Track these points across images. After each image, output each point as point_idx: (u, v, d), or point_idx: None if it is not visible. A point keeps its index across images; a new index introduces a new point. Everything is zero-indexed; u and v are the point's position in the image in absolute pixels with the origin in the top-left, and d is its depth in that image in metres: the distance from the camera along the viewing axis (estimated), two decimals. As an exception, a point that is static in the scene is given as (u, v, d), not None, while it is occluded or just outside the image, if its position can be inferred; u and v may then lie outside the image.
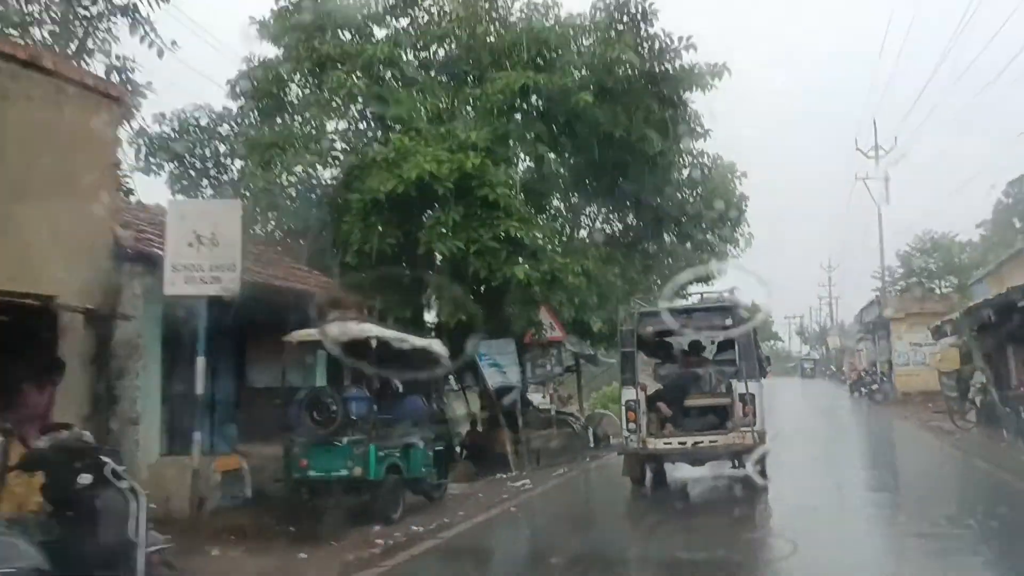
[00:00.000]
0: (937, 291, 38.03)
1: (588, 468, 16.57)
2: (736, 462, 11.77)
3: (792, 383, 51.53)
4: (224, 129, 17.21)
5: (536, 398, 21.34)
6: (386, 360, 10.25)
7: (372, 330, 8.96)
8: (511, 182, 13.58)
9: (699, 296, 14.63)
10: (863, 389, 34.56)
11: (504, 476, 15.28)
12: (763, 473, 11.14)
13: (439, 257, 13.52)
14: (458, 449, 18.15)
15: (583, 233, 20.12)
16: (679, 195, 19.96)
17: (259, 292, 8.96)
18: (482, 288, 14.84)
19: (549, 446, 17.56)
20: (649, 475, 12.13)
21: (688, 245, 20.74)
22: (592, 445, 19.99)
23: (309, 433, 8.87)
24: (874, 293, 41.08)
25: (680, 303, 13.64)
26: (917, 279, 40.52)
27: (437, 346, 10.25)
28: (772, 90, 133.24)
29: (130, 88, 12.67)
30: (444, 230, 13.00)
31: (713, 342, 13.20)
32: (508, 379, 16.59)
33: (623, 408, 11.82)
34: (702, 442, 11.28)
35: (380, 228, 13.49)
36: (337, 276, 13.97)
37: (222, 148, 17.08)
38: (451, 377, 11.46)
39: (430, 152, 13.30)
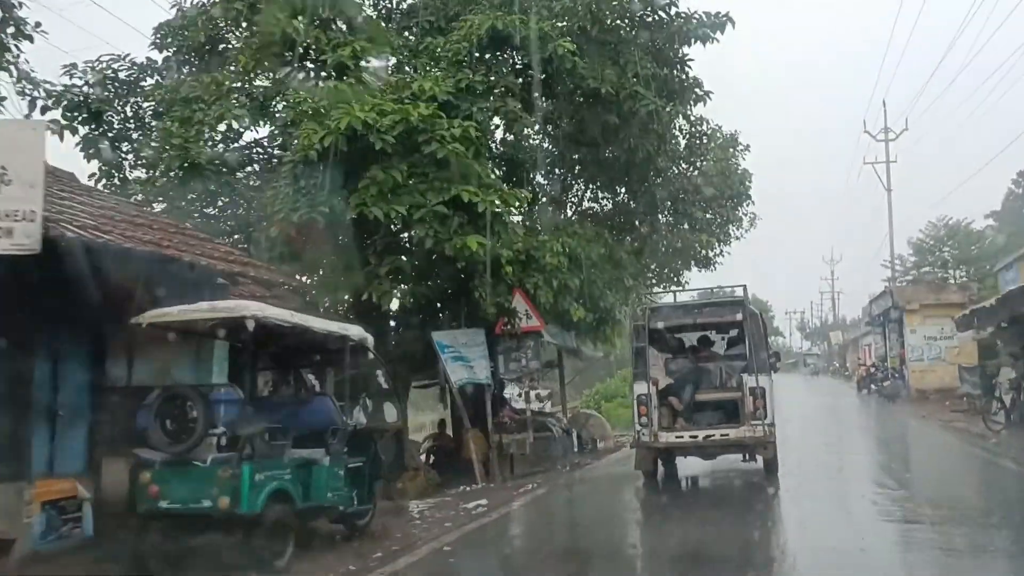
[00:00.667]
0: (952, 281, 35.56)
1: (568, 480, 14.21)
2: (747, 455, 11.87)
3: (795, 380, 48.61)
4: (149, 84, 14.88)
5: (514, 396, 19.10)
6: (294, 351, 7.93)
7: (250, 308, 6.55)
8: (469, 138, 11.18)
9: (708, 290, 15.55)
10: (873, 386, 32.10)
11: (468, 489, 13.05)
12: (775, 470, 11.42)
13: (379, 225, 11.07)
14: (424, 456, 16.04)
15: (567, 209, 17.77)
16: (675, 167, 17.62)
17: (111, 257, 6.60)
18: (437, 267, 12.55)
19: (524, 453, 15.23)
20: (661, 469, 12.14)
21: (685, 225, 18.40)
22: (576, 450, 17.67)
23: (162, 448, 6.52)
24: (883, 283, 38.76)
25: (686, 297, 13.89)
26: (931, 268, 38.10)
27: (355, 331, 7.86)
28: (776, 63, 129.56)
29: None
30: (383, 191, 10.62)
31: (723, 337, 13.30)
32: (475, 374, 14.25)
33: (634, 402, 11.78)
34: (713, 435, 11.29)
35: (311, 192, 11.12)
36: (266, 251, 11.68)
37: (147, 106, 14.73)
38: (382, 373, 8.99)
39: (370, 101, 10.95)
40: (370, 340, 8.08)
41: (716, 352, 13.13)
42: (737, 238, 19.45)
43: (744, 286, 12.89)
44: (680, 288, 20.25)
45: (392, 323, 14.86)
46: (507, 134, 15.54)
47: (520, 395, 16.11)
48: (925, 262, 39.54)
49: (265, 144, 14.36)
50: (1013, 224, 41.39)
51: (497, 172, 14.40)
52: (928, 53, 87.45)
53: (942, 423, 20.90)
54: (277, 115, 13.01)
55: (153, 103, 14.43)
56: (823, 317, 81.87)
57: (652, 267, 17.82)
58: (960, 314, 21.16)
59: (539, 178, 17.35)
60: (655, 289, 19.91)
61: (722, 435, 11.25)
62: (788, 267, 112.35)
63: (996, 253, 34.53)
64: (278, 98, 13.17)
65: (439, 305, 15.01)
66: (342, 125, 10.41)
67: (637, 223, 17.54)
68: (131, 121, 14.79)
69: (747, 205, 19.09)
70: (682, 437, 11.49)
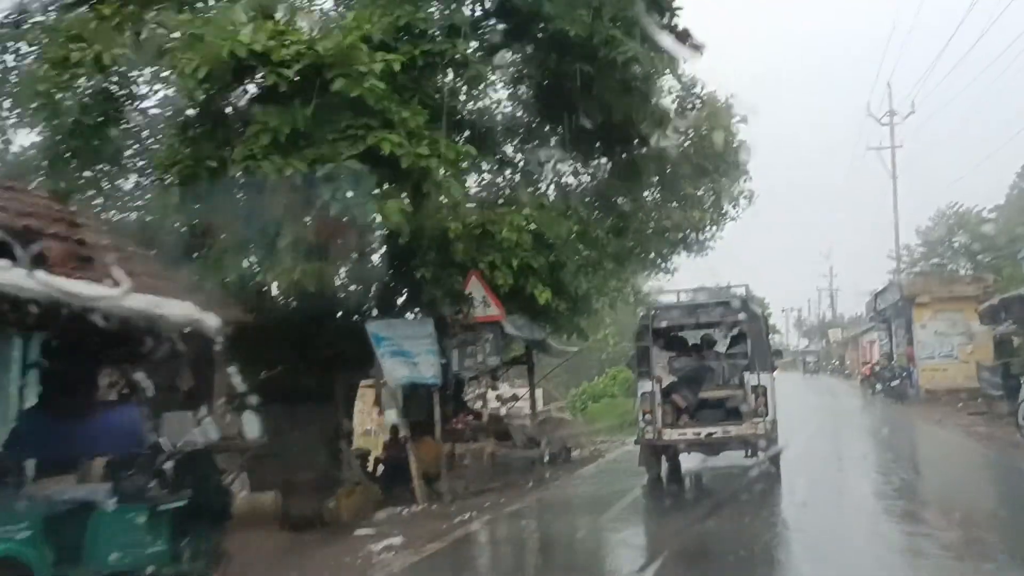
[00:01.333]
0: (962, 272, 33.14)
1: (527, 504, 11.78)
2: (749, 452, 12.14)
3: (793, 379, 46.02)
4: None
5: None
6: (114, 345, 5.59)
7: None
8: (393, 74, 8.84)
9: (705, 288, 16.40)
10: (879, 386, 29.79)
11: (404, 512, 10.79)
12: (776, 467, 11.68)
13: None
14: (371, 467, 13.78)
15: (539, 184, 15.36)
16: (662, 134, 15.24)
17: None
18: (366, 241, 10.21)
19: (480, 466, 12.94)
20: (664, 466, 12.43)
21: (673, 204, 16.01)
22: (547, 461, 15.36)
23: None
24: (888, 276, 36.48)
25: (688, 297, 14.23)
26: (940, 259, 35.69)
27: (177, 309, 5.44)
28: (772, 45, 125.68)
29: None
30: (277, 140, 8.25)
31: (726, 336, 13.53)
32: (420, 373, 11.94)
33: (639, 400, 12.07)
34: (716, 432, 11.56)
35: (198, 143, 8.79)
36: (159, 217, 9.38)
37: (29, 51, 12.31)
38: (231, 373, 6.61)
39: (268, 27, 8.58)
40: (214, 328, 5.67)
41: (719, 351, 13.28)
42: (733, 218, 17.16)
43: (746, 286, 13.60)
44: (669, 275, 18.02)
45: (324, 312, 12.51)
46: (469, 96, 13.27)
47: (480, 395, 13.77)
48: (935, 253, 37.11)
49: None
50: (1018, 220, 39.06)
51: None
52: (936, 30, 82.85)
53: (963, 429, 18.63)
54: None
55: (37, 47, 12.05)
56: (821, 314, 79.34)
57: (636, 250, 15.46)
58: (985, 305, 18.87)
59: (508, 149, 15.10)
60: (641, 275, 17.64)
61: (724, 432, 11.54)
62: (786, 263, 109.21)
63: (1005, 244, 32.31)
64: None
65: (384, 290, 12.76)
66: (223, 52, 8.05)
67: (618, 199, 15.16)
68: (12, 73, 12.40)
69: (744, 181, 16.74)
70: (685, 434, 11.74)
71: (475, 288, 12.64)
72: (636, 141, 14.39)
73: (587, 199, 15.30)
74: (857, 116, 65.39)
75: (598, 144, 14.36)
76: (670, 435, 11.62)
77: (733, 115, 16.74)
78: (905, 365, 28.59)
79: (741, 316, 12.22)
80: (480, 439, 12.85)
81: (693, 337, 13.44)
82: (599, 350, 47.82)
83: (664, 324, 12.62)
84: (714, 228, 17.22)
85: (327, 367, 12.37)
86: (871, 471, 13.08)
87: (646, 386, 11.74)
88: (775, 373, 12.27)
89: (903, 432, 19.78)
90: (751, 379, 11.52)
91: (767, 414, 11.25)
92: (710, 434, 11.53)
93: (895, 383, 27.56)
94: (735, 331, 13.04)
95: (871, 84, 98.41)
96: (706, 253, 17.65)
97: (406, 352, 11.96)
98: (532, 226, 12.33)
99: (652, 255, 16.73)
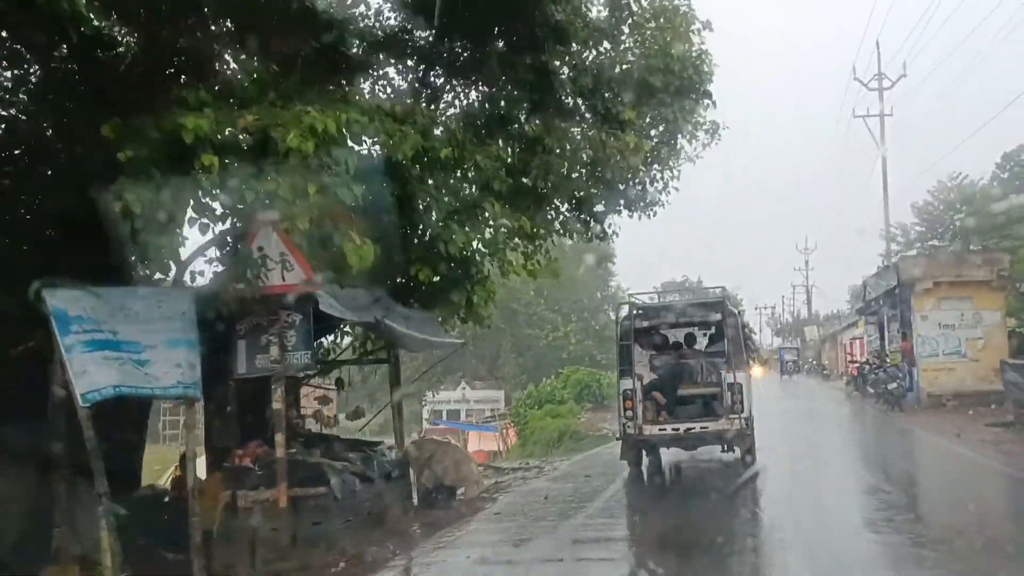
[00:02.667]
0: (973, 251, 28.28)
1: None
2: (725, 447, 12.32)
3: (770, 381, 41.61)
4: None
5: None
6: None
7: None
8: None
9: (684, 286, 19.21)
10: (871, 390, 25.19)
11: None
12: (752, 462, 11.90)
13: None
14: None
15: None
16: (587, 37, 10.41)
17: None
18: None
19: (275, 523, 7.96)
20: (645, 459, 12.67)
21: (604, 135, 11.00)
22: (416, 504, 10.44)
23: None
24: (880, 260, 31.87)
25: (669, 297, 15.05)
26: (940, 240, 30.93)
27: None
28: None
29: None
30: None
31: (705, 334, 13.85)
32: (149, 379, 7.06)
33: (620, 397, 12.30)
34: (694, 428, 11.89)
35: None
36: None
37: None
38: None
39: None
40: None
41: (697, 349, 13.65)
42: (691, 159, 12.41)
43: (723, 287, 13.69)
44: (605, 239, 13.37)
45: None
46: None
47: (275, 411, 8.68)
48: (934, 232, 32.49)
49: None
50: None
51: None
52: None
53: (993, 447, 14.07)
54: None
55: None
56: (795, 312, 75.25)
57: (545, 192, 10.59)
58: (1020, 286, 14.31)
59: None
60: (559, 239, 12.86)
61: (702, 428, 11.91)
62: (760, 258, 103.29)
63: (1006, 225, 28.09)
64: None
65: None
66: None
67: (521, 119, 10.28)
68: None
69: (705, 107, 11.95)
70: (665, 430, 12.04)
71: (264, 239, 7.88)
72: (547, 50, 9.66)
73: (479, 121, 10.45)
74: (842, 80, 59.58)
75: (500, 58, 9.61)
76: (650, 431, 11.98)
77: (691, 21, 12.05)
78: (900, 364, 24.01)
79: (718, 316, 12.65)
80: (267, 483, 7.86)
81: (673, 336, 13.74)
82: (560, 348, 43.69)
83: (645, 324, 12.88)
84: (666, 174, 12.44)
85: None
86: (894, 539, 8.11)
87: (627, 383, 12.11)
88: (754, 372, 12.87)
89: (916, 455, 15.09)
90: (728, 377, 11.93)
91: (743, 411, 11.71)
92: (688, 430, 11.91)
93: (891, 386, 22.86)
94: (712, 330, 13.43)
95: (857, 44, 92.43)
96: (653, 212, 12.87)
97: (124, 344, 7.00)
98: (350, 133, 7.50)
99: (575, 210, 11.84)
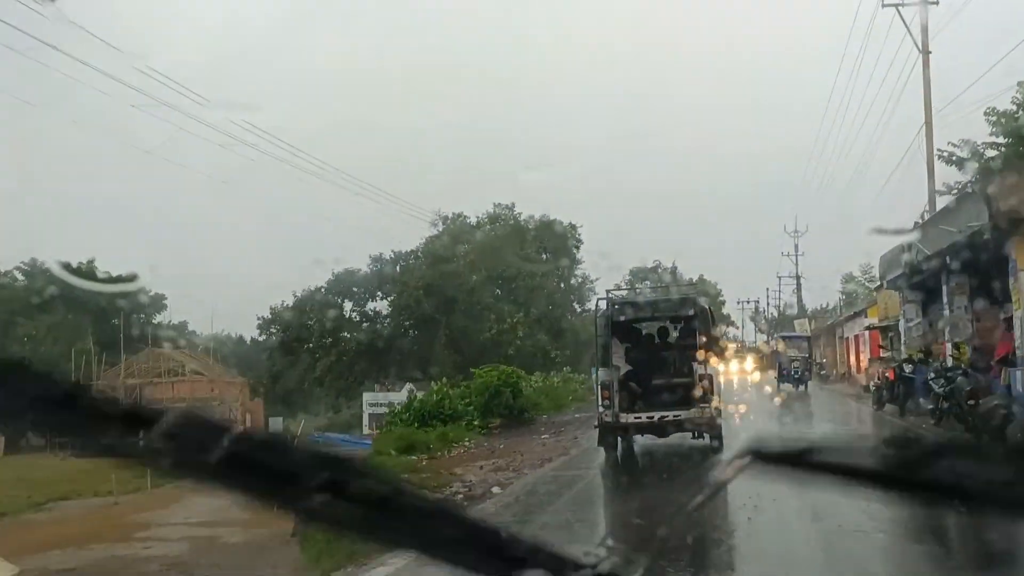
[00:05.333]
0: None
1: None
2: (696, 433, 13.05)
3: (763, 399, 26.59)
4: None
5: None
6: None
7: None
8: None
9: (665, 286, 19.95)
10: (930, 407, 15.60)
11: None
12: (719, 448, 12.39)
13: None
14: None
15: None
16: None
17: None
18: None
19: None
20: (621, 445, 13.49)
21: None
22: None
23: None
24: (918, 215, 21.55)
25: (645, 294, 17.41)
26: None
27: None
28: None
29: None
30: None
31: (677, 328, 14.47)
32: None
33: (599, 387, 13.49)
34: (667, 416, 12.69)
35: None
36: None
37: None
38: None
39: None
40: None
41: (671, 342, 14.39)
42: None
43: (695, 284, 15.76)
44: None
45: None
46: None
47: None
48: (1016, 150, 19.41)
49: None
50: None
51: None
52: None
53: None
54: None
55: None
56: (780, 305, 65.94)
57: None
58: None
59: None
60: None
61: (675, 416, 12.63)
62: (742, 247, 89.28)
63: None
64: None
65: None
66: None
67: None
68: None
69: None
70: (640, 418, 12.87)
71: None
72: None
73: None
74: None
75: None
76: (626, 418, 12.83)
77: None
78: (982, 365, 14.71)
79: (691, 311, 13.71)
80: None
81: (648, 329, 14.62)
82: (507, 344, 36.24)
83: (623, 318, 13.89)
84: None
85: None
86: None
87: (605, 374, 13.27)
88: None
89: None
90: (699, 368, 12.91)
91: (712, 400, 12.60)
92: (662, 418, 12.72)
93: (992, 406, 12.67)
94: (684, 324, 14.14)
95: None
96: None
97: None
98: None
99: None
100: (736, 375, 33.57)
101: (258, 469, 1.07)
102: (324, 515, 1.18)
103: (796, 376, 29.72)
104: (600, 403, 13.18)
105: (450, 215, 42.28)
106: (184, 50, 64.09)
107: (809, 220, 55.50)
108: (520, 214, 43.23)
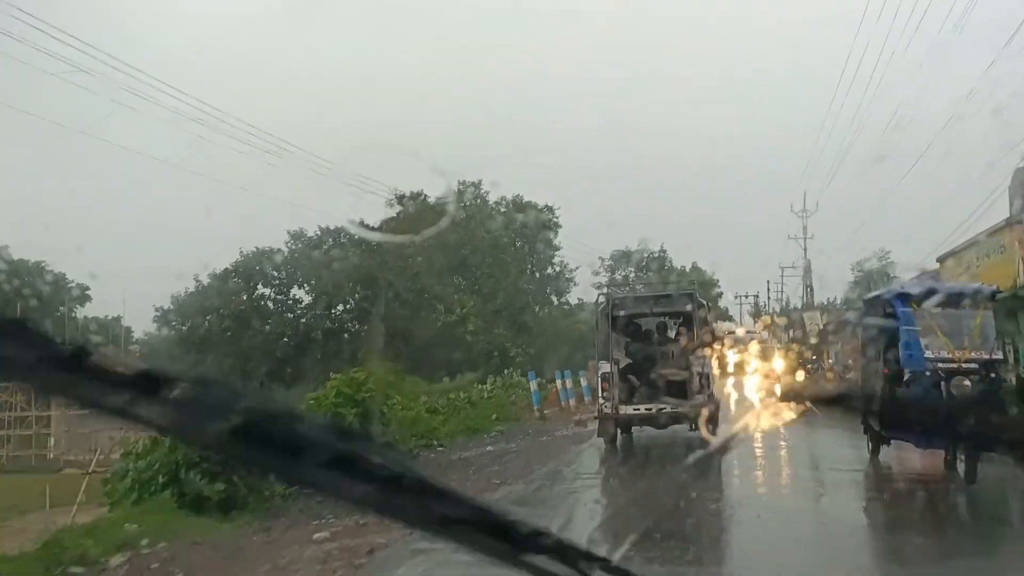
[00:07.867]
0: None
1: None
2: (692, 425, 13.37)
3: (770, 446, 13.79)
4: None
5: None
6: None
7: None
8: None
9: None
10: None
11: None
12: (714, 432, 12.64)
13: None
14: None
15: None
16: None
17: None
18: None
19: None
20: (620, 436, 13.97)
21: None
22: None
23: None
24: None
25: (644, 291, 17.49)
26: None
27: None
28: None
29: None
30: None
31: (675, 323, 14.92)
32: None
33: (599, 380, 14.00)
34: (665, 408, 13.09)
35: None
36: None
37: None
38: None
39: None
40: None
41: (668, 337, 14.72)
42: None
43: (693, 282, 16.31)
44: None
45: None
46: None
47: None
48: None
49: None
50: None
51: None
52: None
53: None
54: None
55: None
56: (783, 298, 56.06)
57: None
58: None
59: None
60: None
61: (672, 408, 13.02)
62: (742, 238, 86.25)
63: None
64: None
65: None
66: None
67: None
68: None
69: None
70: (638, 410, 13.33)
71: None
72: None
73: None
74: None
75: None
76: (625, 410, 13.28)
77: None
78: None
79: (688, 307, 14.09)
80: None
81: (646, 324, 14.99)
82: (458, 344, 31.81)
83: (622, 313, 14.34)
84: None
85: None
86: None
87: (605, 367, 13.66)
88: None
89: None
90: (696, 362, 13.33)
91: (709, 393, 13.22)
92: (660, 410, 13.09)
93: None
94: (682, 319, 14.53)
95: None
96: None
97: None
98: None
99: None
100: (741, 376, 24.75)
101: (268, 441, 1.06)
102: (331, 490, 1.17)
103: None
104: (600, 396, 13.70)
105: (407, 194, 35.09)
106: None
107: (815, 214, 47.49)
108: (487, 192, 36.79)
